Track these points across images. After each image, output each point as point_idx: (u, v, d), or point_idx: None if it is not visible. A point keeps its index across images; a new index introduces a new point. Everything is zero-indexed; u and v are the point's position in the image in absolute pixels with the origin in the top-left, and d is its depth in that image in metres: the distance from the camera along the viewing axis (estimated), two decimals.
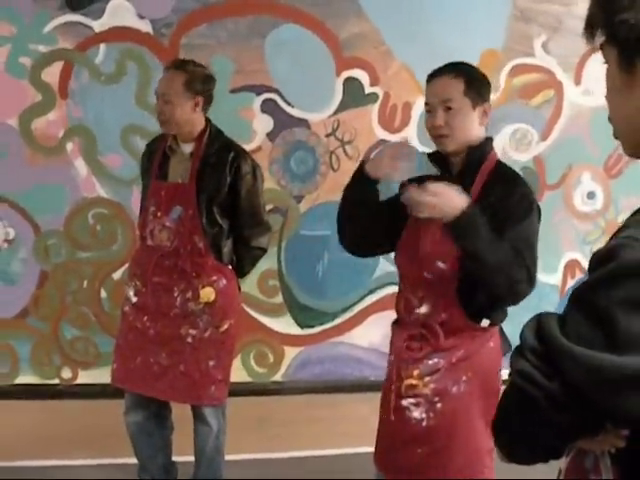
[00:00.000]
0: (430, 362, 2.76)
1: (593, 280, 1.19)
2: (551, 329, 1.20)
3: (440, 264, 2.70)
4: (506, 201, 2.66)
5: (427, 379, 2.74)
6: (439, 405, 2.74)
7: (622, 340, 1.12)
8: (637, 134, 1.30)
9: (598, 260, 1.20)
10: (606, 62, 1.30)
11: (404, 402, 2.79)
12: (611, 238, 1.24)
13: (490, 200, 2.66)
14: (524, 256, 2.61)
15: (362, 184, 2.79)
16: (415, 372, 2.76)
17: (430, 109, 2.74)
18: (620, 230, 1.24)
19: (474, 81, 2.74)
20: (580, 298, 1.21)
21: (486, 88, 2.80)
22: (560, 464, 1.42)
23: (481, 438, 2.73)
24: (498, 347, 2.80)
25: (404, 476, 2.85)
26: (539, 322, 1.24)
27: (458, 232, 2.53)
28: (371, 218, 2.83)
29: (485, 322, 2.76)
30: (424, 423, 2.75)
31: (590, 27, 1.30)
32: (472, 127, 2.73)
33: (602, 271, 1.18)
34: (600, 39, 1.29)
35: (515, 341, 1.29)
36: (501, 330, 2.86)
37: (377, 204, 2.83)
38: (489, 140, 2.81)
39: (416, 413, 2.76)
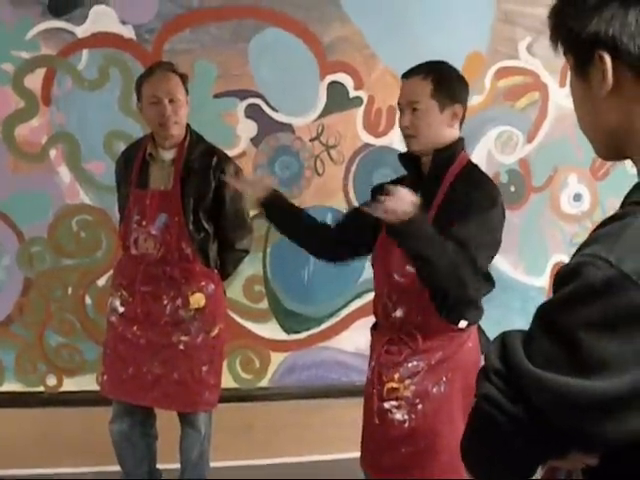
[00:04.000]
0: (410, 365, 2.79)
1: (556, 300, 1.17)
2: (515, 351, 1.17)
3: (410, 268, 2.71)
4: (465, 199, 2.66)
5: (407, 382, 2.78)
6: (420, 406, 2.78)
7: (587, 363, 1.09)
8: (603, 138, 1.31)
9: (562, 279, 1.17)
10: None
11: (386, 405, 2.82)
12: (576, 252, 1.21)
13: (453, 200, 2.67)
14: (470, 251, 2.57)
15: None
16: (395, 375, 2.80)
17: (400, 109, 2.79)
18: (586, 244, 1.19)
19: (444, 82, 2.75)
20: (543, 318, 1.18)
21: (458, 89, 2.80)
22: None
23: None
24: (476, 346, 2.83)
25: (390, 476, 2.88)
26: (503, 343, 1.21)
27: (399, 235, 2.56)
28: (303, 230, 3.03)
29: (463, 323, 2.78)
30: (406, 424, 2.79)
31: (553, 37, 1.31)
32: (439, 129, 2.75)
33: (565, 291, 1.14)
34: (561, 48, 1.30)
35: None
36: (479, 328, 2.88)
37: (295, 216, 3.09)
38: (459, 141, 2.81)
39: (398, 415, 2.79)
